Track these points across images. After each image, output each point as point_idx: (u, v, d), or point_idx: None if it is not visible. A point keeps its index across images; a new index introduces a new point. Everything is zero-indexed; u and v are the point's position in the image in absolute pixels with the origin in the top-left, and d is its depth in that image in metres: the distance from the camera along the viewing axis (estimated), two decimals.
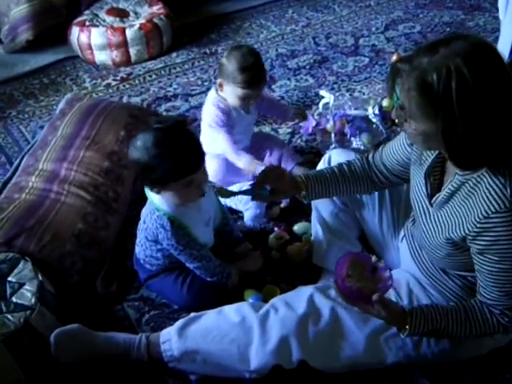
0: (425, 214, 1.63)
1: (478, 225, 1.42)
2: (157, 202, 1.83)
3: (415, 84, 1.34)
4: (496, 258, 1.43)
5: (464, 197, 1.47)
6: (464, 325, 1.55)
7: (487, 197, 1.40)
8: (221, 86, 2.32)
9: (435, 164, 1.58)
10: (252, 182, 1.86)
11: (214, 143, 2.35)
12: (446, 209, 1.54)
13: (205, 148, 2.44)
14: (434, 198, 1.58)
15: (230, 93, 2.30)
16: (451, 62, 1.29)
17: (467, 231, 1.45)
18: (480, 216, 1.41)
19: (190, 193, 1.77)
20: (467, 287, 1.62)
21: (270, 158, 2.54)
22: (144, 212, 1.93)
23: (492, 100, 1.31)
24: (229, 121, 2.34)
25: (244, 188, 2.05)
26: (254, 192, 1.84)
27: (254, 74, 2.26)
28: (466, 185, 1.46)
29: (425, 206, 1.62)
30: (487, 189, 1.41)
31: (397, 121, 1.54)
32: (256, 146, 2.54)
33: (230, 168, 2.39)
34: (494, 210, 1.39)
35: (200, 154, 1.74)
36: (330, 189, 1.85)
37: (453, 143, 1.37)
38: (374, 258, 1.58)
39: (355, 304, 1.57)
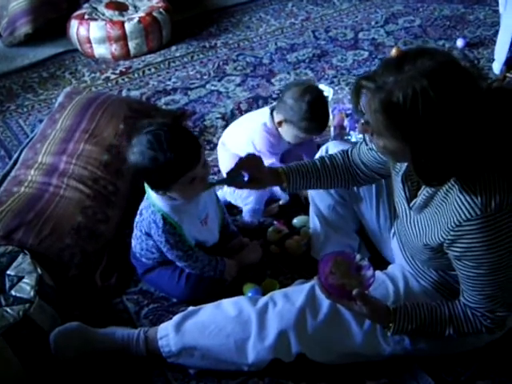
0: (406, 216, 1.63)
1: (452, 232, 1.42)
2: (153, 197, 1.84)
3: (381, 105, 1.30)
4: (472, 264, 1.44)
5: (439, 203, 1.47)
6: (448, 324, 1.56)
7: (458, 205, 1.40)
8: (280, 123, 2.26)
9: (410, 168, 1.56)
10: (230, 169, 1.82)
11: None
12: (424, 213, 1.54)
13: (233, 149, 2.41)
14: (413, 203, 1.57)
15: (289, 133, 2.26)
16: (417, 83, 1.25)
17: (442, 238, 1.46)
18: (452, 224, 1.41)
19: (195, 188, 1.77)
20: (458, 282, 1.60)
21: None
22: (142, 205, 1.93)
23: (459, 120, 1.27)
24: (275, 149, 2.33)
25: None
26: (229, 179, 1.80)
27: (321, 122, 2.23)
28: (440, 191, 1.46)
29: (406, 209, 1.62)
30: (458, 197, 1.40)
31: (361, 135, 1.52)
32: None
33: None
34: (465, 218, 1.39)
35: (195, 148, 1.72)
36: (311, 181, 1.83)
37: (420, 162, 1.35)
38: (358, 257, 1.60)
39: (338, 300, 1.59)
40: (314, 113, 2.18)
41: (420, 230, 1.56)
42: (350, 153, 1.84)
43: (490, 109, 1.32)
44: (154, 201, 1.84)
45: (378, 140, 1.40)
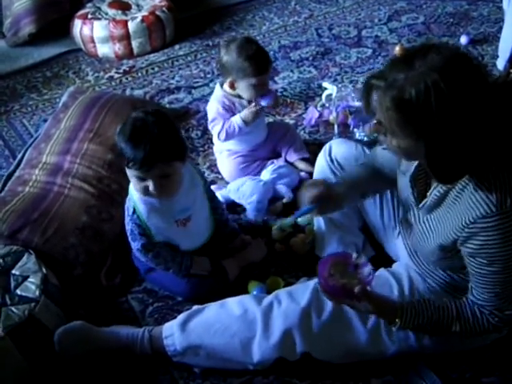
0: (415, 217, 1.63)
1: (466, 229, 1.42)
2: (131, 186, 1.85)
3: (393, 103, 1.30)
4: (486, 261, 1.43)
5: (452, 202, 1.46)
6: (454, 321, 1.55)
7: (473, 202, 1.39)
8: (232, 84, 2.30)
9: (419, 169, 1.56)
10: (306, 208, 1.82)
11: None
12: (435, 213, 1.53)
13: (217, 148, 2.49)
14: (422, 203, 1.56)
15: (245, 87, 2.28)
16: (428, 77, 1.25)
17: (456, 236, 1.45)
18: (467, 221, 1.41)
19: (144, 188, 1.76)
20: (466, 281, 1.59)
21: (281, 149, 2.56)
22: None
23: (472, 113, 1.28)
24: (229, 116, 2.34)
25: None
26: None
27: (262, 58, 2.27)
28: (453, 190, 1.45)
29: (415, 209, 1.62)
30: (473, 194, 1.40)
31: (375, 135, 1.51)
32: (271, 137, 2.54)
33: (242, 167, 2.42)
34: (480, 216, 1.38)
35: (152, 158, 1.69)
36: (366, 189, 1.88)
37: (435, 159, 1.35)
38: (354, 255, 1.58)
39: (341, 301, 1.57)
40: (247, 50, 2.25)
41: (431, 230, 1.55)
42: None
43: (500, 102, 1.32)
44: (130, 189, 1.86)
45: (392, 139, 1.40)
